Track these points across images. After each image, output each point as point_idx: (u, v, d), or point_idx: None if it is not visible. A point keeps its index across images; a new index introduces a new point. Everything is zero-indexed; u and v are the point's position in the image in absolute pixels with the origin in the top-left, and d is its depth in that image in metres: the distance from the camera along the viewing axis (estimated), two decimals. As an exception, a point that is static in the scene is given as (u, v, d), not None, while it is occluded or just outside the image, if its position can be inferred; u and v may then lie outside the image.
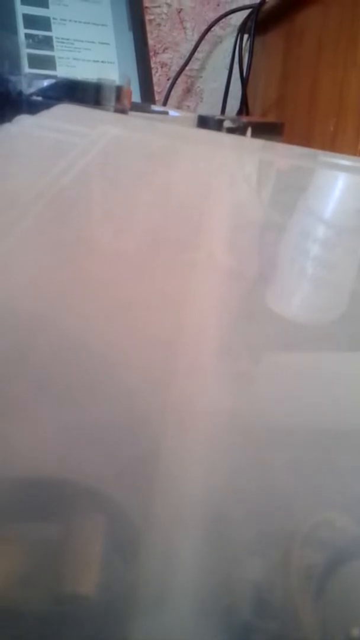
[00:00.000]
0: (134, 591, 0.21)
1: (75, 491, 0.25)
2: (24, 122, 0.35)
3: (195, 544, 0.23)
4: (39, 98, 0.44)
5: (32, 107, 0.41)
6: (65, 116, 0.37)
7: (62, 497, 0.24)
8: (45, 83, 0.45)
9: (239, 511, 0.24)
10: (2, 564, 0.22)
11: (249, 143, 0.40)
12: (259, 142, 0.38)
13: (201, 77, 1.03)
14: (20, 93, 0.44)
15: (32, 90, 0.45)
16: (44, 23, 0.75)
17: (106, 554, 0.22)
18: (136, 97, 0.77)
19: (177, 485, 0.25)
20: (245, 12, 0.95)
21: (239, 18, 0.97)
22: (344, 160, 0.36)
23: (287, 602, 0.20)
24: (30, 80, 0.45)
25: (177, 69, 0.98)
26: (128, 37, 0.80)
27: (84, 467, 0.25)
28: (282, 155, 0.37)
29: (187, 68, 0.98)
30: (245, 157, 0.36)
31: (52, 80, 0.46)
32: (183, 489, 0.25)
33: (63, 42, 0.76)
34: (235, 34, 0.98)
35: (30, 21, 0.75)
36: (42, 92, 0.45)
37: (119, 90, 0.47)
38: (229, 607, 0.20)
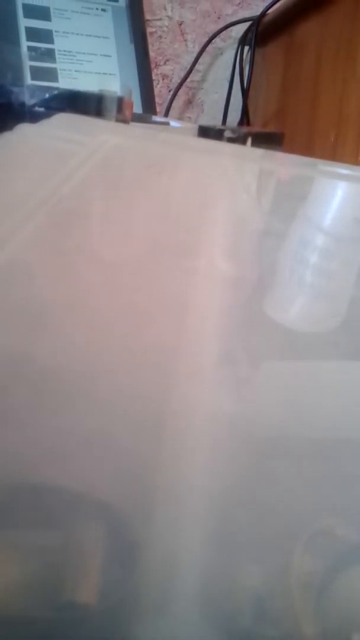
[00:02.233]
0: (135, 598, 0.21)
1: (75, 499, 0.24)
2: (24, 131, 0.35)
3: (196, 551, 0.22)
4: (41, 109, 0.45)
5: (34, 118, 0.41)
6: (65, 125, 0.37)
7: (62, 504, 0.24)
8: (48, 94, 0.45)
9: (240, 518, 0.24)
10: (2, 571, 0.22)
11: (249, 152, 0.40)
12: (259, 151, 0.38)
13: (202, 88, 1.04)
14: (22, 104, 0.44)
15: (34, 101, 0.45)
16: (46, 36, 0.76)
17: (106, 562, 0.22)
18: (137, 109, 0.78)
19: (178, 492, 0.25)
20: (246, 25, 0.96)
21: (239, 30, 0.98)
22: (344, 170, 0.36)
23: (287, 608, 0.20)
24: (33, 91, 0.45)
25: (179, 80, 0.98)
26: (129, 50, 0.81)
27: (84, 474, 0.25)
28: (282, 164, 0.37)
29: (188, 80, 0.99)
30: (245, 166, 0.36)
31: (55, 91, 0.46)
32: (183, 496, 0.24)
33: (65, 55, 0.76)
34: (235, 46, 0.99)
35: (32, 34, 0.75)
36: (44, 102, 0.45)
37: (120, 101, 0.47)
38: (230, 613, 0.20)
